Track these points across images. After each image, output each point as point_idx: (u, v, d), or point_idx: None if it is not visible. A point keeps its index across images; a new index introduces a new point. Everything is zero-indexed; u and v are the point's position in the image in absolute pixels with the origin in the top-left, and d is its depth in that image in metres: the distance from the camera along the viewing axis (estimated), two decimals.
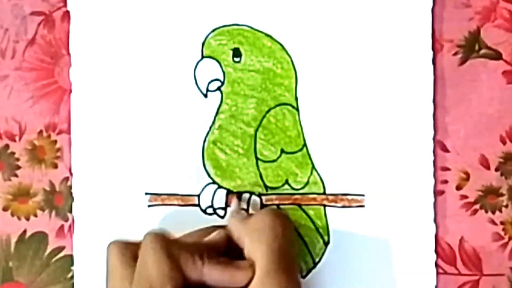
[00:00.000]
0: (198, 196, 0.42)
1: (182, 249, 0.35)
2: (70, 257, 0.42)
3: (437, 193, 0.42)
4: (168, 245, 0.35)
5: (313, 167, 0.42)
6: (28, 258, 0.42)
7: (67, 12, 0.42)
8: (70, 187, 0.42)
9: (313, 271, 0.41)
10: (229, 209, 0.41)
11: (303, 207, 0.42)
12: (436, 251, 0.41)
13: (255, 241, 0.36)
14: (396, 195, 0.41)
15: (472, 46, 0.42)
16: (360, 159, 0.42)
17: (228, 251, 0.37)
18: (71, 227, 0.42)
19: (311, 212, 0.42)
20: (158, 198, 0.42)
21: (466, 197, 0.42)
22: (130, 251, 0.37)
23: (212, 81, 0.42)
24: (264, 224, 0.37)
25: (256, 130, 0.42)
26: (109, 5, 0.42)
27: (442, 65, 0.42)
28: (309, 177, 0.42)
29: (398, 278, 0.41)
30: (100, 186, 0.42)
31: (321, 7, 0.42)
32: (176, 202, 0.42)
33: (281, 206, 0.42)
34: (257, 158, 0.42)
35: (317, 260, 0.42)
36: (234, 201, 0.41)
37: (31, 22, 0.43)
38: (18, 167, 0.43)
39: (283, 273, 0.35)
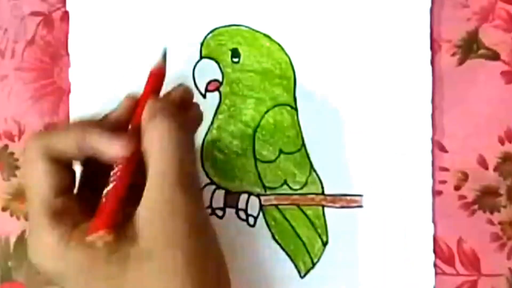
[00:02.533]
0: None
1: (55, 134, 0.33)
2: None
3: (436, 193, 0.42)
4: (41, 144, 0.33)
5: (312, 167, 0.42)
6: (27, 258, 0.42)
7: (66, 13, 0.43)
8: None
9: (312, 271, 0.41)
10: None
11: (302, 207, 0.42)
12: (434, 251, 0.41)
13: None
14: (395, 196, 0.41)
15: (470, 47, 0.42)
16: (359, 159, 0.42)
17: None
18: None
19: (309, 212, 0.42)
20: None
21: (464, 197, 0.42)
22: None
23: (210, 81, 0.42)
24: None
25: (255, 131, 0.42)
26: (108, 6, 0.42)
27: (441, 65, 0.42)
28: (307, 177, 0.42)
29: (397, 278, 0.41)
30: None
31: (319, 7, 0.42)
32: None
33: (280, 207, 0.42)
34: (255, 159, 0.42)
35: (315, 260, 0.42)
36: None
37: (30, 23, 0.43)
38: (17, 167, 0.43)
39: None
